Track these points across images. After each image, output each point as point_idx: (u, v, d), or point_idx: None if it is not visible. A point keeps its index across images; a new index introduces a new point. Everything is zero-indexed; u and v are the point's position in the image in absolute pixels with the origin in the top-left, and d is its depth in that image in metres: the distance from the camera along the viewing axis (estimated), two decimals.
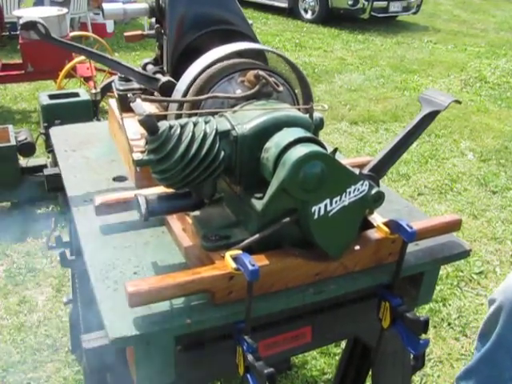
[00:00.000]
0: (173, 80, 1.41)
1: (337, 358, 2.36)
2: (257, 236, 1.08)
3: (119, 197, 1.27)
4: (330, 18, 9.36)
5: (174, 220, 1.26)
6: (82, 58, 4.18)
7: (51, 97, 3.34)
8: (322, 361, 2.39)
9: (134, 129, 1.54)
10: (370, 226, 1.21)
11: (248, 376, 1.04)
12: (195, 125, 1.07)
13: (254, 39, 1.47)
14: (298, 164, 0.99)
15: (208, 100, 1.18)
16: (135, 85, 1.66)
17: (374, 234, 1.18)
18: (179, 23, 1.44)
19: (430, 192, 3.94)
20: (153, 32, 1.52)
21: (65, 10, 4.74)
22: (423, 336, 1.16)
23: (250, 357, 1.01)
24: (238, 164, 1.09)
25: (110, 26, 7.30)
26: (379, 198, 1.10)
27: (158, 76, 1.41)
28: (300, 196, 1.02)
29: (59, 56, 4.40)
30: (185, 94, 1.18)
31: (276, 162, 1.02)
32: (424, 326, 1.12)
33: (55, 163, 1.73)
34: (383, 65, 7.13)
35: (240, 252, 1.04)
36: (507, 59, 7.36)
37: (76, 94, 3.43)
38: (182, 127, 1.05)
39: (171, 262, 1.17)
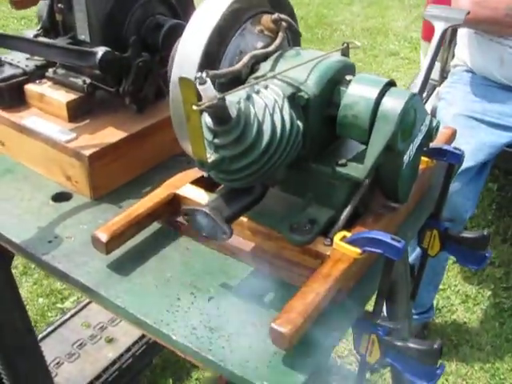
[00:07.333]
0: (111, 50, 1.07)
1: None
2: (350, 207, 0.92)
3: (128, 219, 0.94)
4: None
5: None
6: None
7: None
8: None
9: (54, 128, 1.16)
10: None
11: (389, 360, 0.92)
12: (258, 94, 0.82)
13: None
14: (403, 115, 0.85)
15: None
16: (8, 71, 1.24)
17: None
18: None
19: None
20: None
21: None
22: None
23: (397, 342, 0.89)
24: (308, 131, 0.88)
25: None
26: (437, 129, 1.03)
27: (93, 49, 1.05)
28: (400, 147, 0.89)
29: None
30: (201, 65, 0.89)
31: (372, 117, 0.86)
32: (489, 239, 1.12)
33: None
34: None
35: (346, 233, 0.88)
36: None
37: None
38: (248, 102, 0.80)
39: (240, 274, 0.93)
